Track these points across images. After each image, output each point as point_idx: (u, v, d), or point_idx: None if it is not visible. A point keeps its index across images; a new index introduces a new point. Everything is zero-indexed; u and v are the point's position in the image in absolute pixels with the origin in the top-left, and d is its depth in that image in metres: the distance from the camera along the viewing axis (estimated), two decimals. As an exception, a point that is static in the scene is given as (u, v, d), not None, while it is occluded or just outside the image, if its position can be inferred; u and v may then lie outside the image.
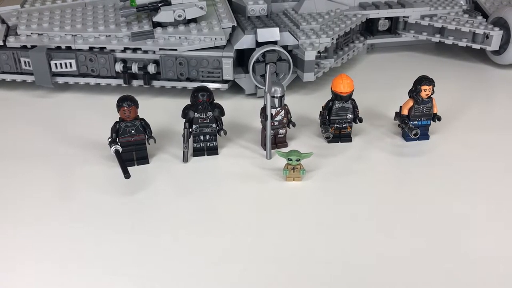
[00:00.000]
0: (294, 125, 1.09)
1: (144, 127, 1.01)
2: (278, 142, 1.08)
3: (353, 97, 1.08)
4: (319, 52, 1.26)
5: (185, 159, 1.04)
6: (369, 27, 1.42)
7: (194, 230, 0.87)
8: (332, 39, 1.26)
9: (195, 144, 1.06)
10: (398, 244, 0.84)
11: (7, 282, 0.76)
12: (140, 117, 1.01)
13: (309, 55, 1.19)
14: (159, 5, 1.18)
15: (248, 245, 0.84)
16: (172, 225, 0.88)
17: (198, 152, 1.06)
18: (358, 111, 1.10)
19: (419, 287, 0.76)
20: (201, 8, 1.20)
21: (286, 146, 1.09)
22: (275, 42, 1.21)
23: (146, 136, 1.02)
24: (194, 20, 1.24)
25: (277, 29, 1.21)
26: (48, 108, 1.26)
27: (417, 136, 1.08)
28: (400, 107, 1.11)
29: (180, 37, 1.20)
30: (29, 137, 1.14)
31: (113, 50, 1.21)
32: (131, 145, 1.01)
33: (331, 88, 1.08)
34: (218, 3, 1.34)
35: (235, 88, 1.30)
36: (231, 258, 0.81)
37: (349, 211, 0.91)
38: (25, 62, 1.20)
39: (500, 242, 0.84)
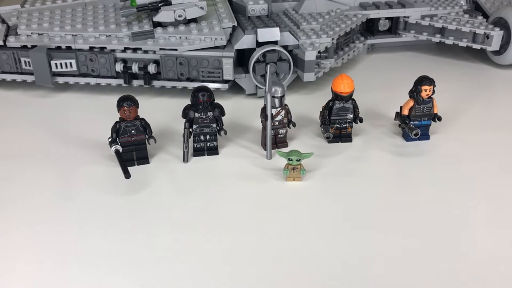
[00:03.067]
0: (294, 125, 1.09)
1: (144, 127, 1.01)
2: (279, 142, 1.08)
3: (353, 97, 1.08)
4: (319, 52, 1.26)
5: (185, 159, 1.04)
6: (369, 27, 1.42)
7: (194, 230, 0.86)
8: (333, 39, 1.26)
9: (195, 144, 1.06)
10: (398, 244, 0.84)
11: (6, 283, 0.76)
12: (140, 117, 1.01)
13: (310, 55, 1.19)
14: (160, 5, 1.19)
15: (248, 245, 0.83)
16: (172, 225, 0.88)
17: (198, 152, 1.06)
18: (358, 111, 1.10)
19: (418, 287, 0.76)
20: (202, 8, 1.20)
21: (286, 146, 1.09)
22: (275, 42, 1.21)
23: (146, 136, 1.02)
24: (194, 20, 1.24)
25: (277, 29, 1.21)
26: (48, 108, 1.26)
27: (418, 136, 1.08)
28: (401, 107, 1.11)
29: (180, 37, 1.20)
30: (29, 137, 1.14)
31: (113, 50, 1.21)
32: (131, 145, 1.01)
33: (332, 88, 1.08)
34: (219, 3, 1.34)
35: (235, 88, 1.30)
36: (231, 258, 0.81)
37: (349, 211, 0.91)
38: (25, 62, 1.20)
39: (500, 242, 0.84)
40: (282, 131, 1.07)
